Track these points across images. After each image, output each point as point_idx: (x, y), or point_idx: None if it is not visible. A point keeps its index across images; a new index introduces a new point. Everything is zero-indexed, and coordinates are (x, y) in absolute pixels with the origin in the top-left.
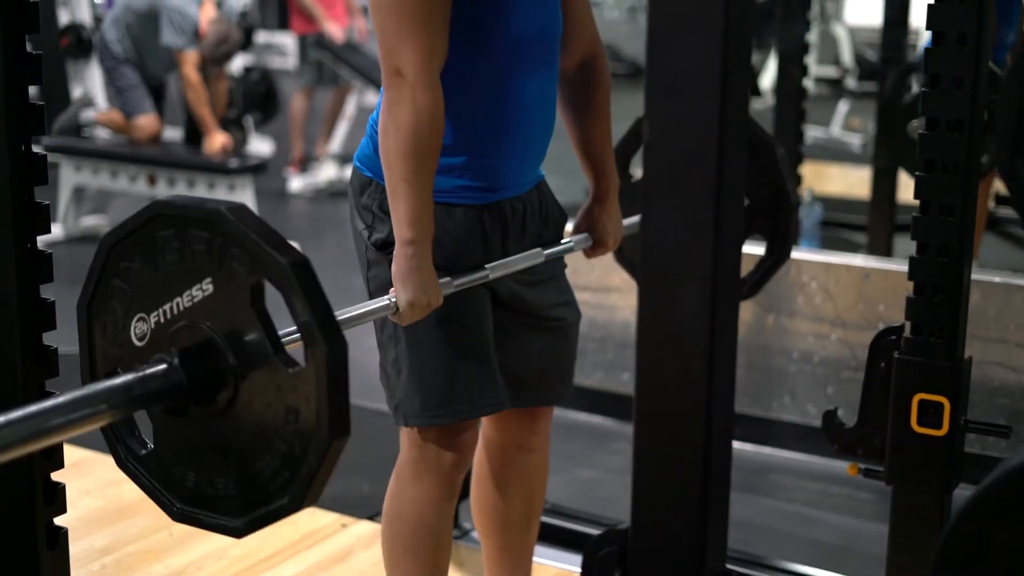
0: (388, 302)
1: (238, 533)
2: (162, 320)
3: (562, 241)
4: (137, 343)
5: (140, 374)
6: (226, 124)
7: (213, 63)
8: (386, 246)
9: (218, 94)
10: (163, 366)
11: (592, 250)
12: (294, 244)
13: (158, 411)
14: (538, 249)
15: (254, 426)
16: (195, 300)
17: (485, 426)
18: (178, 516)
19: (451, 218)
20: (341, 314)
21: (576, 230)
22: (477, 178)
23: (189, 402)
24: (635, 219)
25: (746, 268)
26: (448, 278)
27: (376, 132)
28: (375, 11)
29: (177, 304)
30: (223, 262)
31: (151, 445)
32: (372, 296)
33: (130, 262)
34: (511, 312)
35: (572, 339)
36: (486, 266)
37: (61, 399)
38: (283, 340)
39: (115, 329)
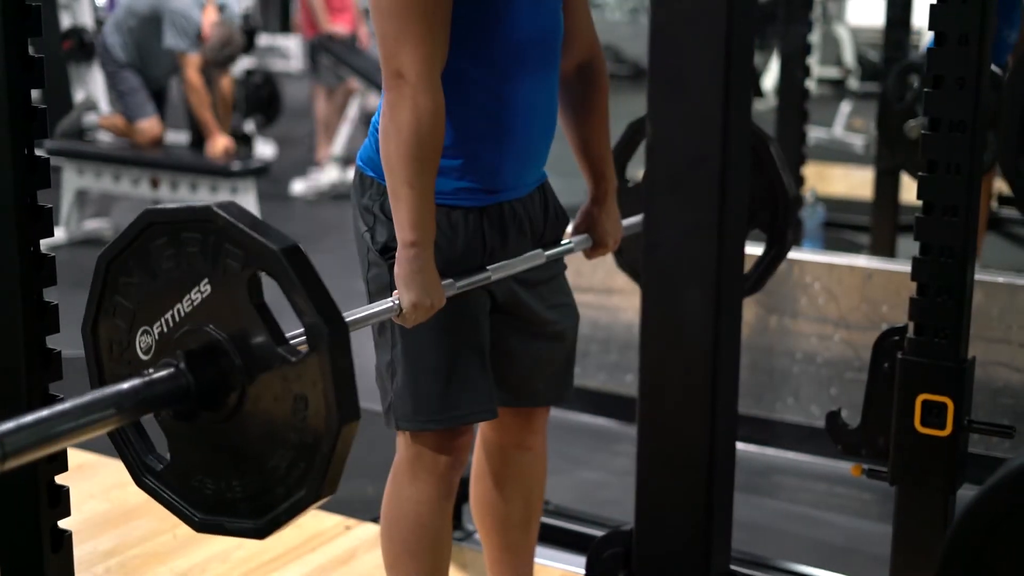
0: (392, 304)
1: (261, 533)
2: (165, 329)
3: (562, 242)
4: (143, 357)
5: (147, 378)
6: (234, 135)
7: (216, 66)
8: (387, 249)
9: (224, 99)
10: (169, 370)
11: (592, 251)
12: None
13: (168, 417)
14: (539, 250)
15: (265, 422)
16: (195, 304)
17: (483, 426)
18: (200, 526)
19: (451, 221)
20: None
21: (576, 231)
22: (477, 180)
23: (198, 405)
24: (634, 220)
25: (747, 266)
26: (451, 279)
27: (372, 131)
28: (375, 13)
29: (178, 311)
30: (217, 260)
31: (168, 458)
32: (372, 297)
33: (128, 277)
34: (509, 316)
35: (570, 342)
36: (488, 268)
37: (69, 404)
38: (290, 339)
39: (121, 347)
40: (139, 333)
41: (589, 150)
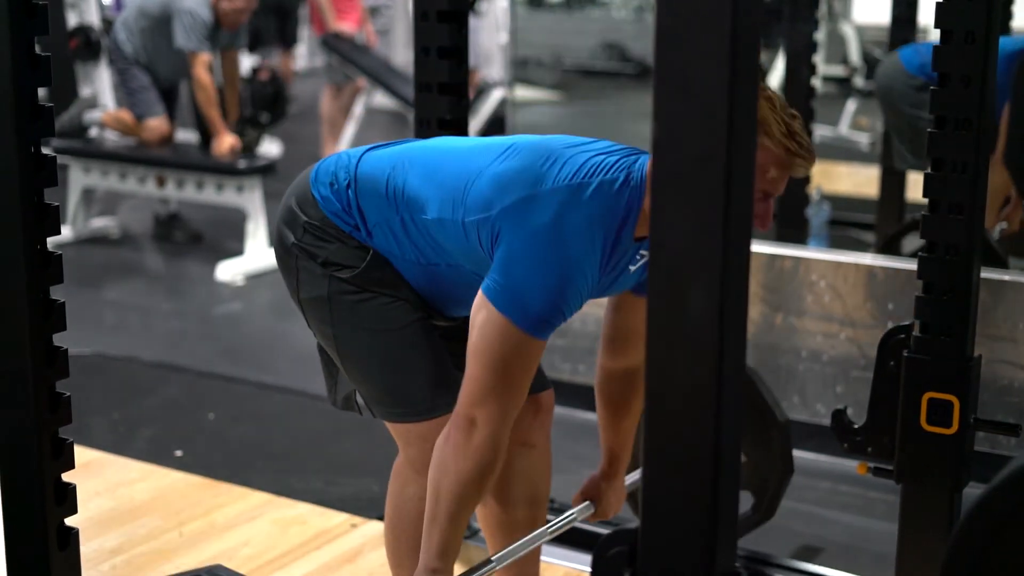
0: None
1: None
2: None
3: (565, 513)
4: None
5: None
6: (241, 123)
7: (227, 23)
8: (328, 264)
9: (231, 80)
10: None
11: (592, 517)
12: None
13: None
14: (544, 529)
15: None
16: None
17: None
18: None
19: (396, 272)
20: None
21: (582, 496)
22: (436, 312)
23: None
24: (633, 478)
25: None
26: None
27: (349, 193)
28: (473, 351)
29: None
30: None
31: None
32: (306, 308)
33: None
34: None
35: None
36: (492, 558)
37: None
38: None
39: None
40: None
41: (615, 437)
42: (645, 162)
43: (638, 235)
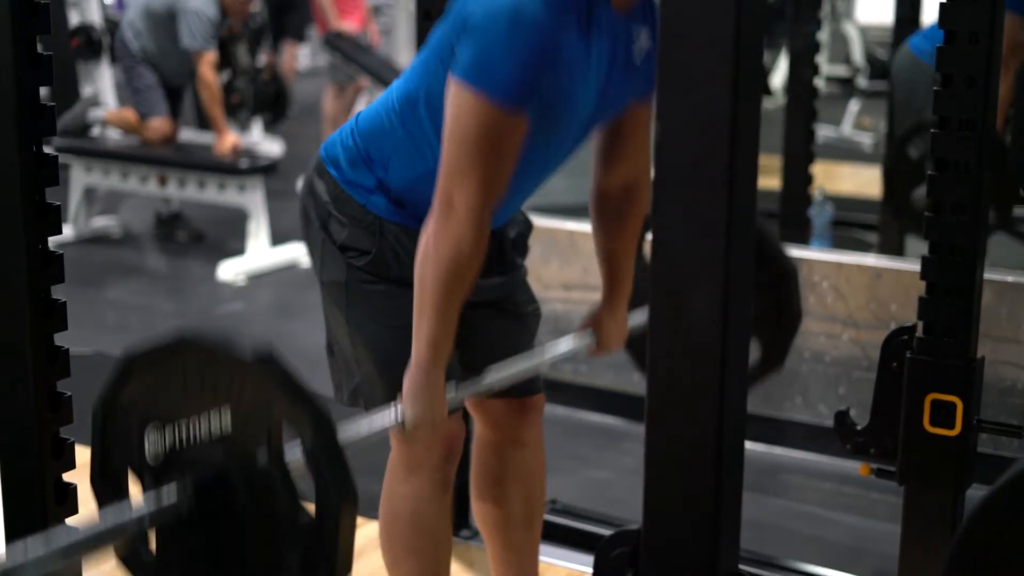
0: (393, 416)
1: None
2: (178, 443)
3: (564, 340)
4: (152, 460)
5: (155, 508)
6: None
7: (233, 15)
8: (345, 248)
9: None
10: (175, 498)
11: (593, 350)
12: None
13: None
14: (541, 348)
15: (259, 565)
16: (212, 429)
17: (478, 425)
18: None
19: (413, 240)
20: (345, 432)
21: (582, 327)
22: None
23: (199, 530)
24: (639, 314)
25: None
26: (454, 392)
27: (355, 141)
28: (448, 137)
29: (194, 429)
30: (242, 400)
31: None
32: (327, 291)
33: (152, 377)
34: (473, 309)
35: (532, 328)
36: (486, 377)
37: (81, 535)
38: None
39: (128, 437)
40: (151, 430)
41: (614, 260)
42: None
43: (617, 3)
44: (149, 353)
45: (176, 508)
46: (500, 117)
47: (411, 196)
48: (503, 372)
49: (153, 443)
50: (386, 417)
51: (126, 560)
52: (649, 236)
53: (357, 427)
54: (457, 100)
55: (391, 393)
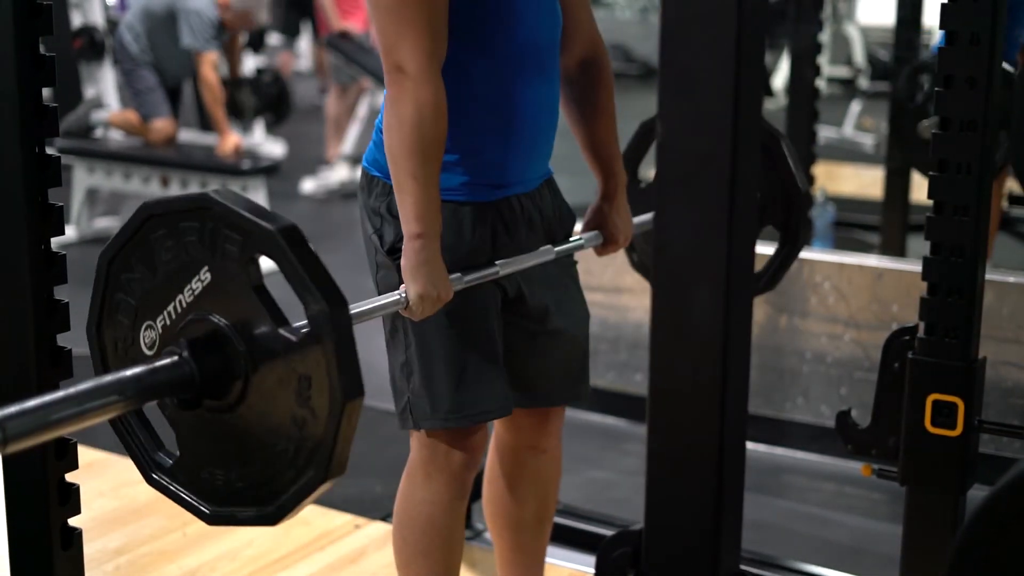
0: (398, 297)
1: (272, 519)
2: (167, 322)
3: (572, 239)
4: (148, 352)
5: (150, 366)
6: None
7: (235, 29)
8: (394, 250)
9: (234, 55)
10: (172, 358)
11: (602, 247)
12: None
13: (174, 408)
14: (548, 246)
15: (270, 406)
16: (196, 293)
17: (497, 427)
18: (212, 519)
19: (458, 216)
20: (351, 309)
21: (586, 228)
22: (482, 175)
23: (203, 392)
24: (645, 217)
25: (760, 263)
26: (459, 274)
27: (378, 130)
28: (374, 10)
29: (180, 302)
30: (216, 247)
31: (177, 454)
32: (380, 290)
33: (130, 273)
34: (518, 316)
35: (581, 340)
36: (496, 263)
37: (72, 390)
38: (296, 328)
39: (126, 344)
40: (143, 328)
41: (597, 147)
42: None
43: None
44: (122, 244)
45: (173, 368)
46: None
47: (451, 159)
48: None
49: (148, 336)
50: (392, 298)
51: (117, 424)
52: None
53: (361, 306)
54: None
55: (460, 390)
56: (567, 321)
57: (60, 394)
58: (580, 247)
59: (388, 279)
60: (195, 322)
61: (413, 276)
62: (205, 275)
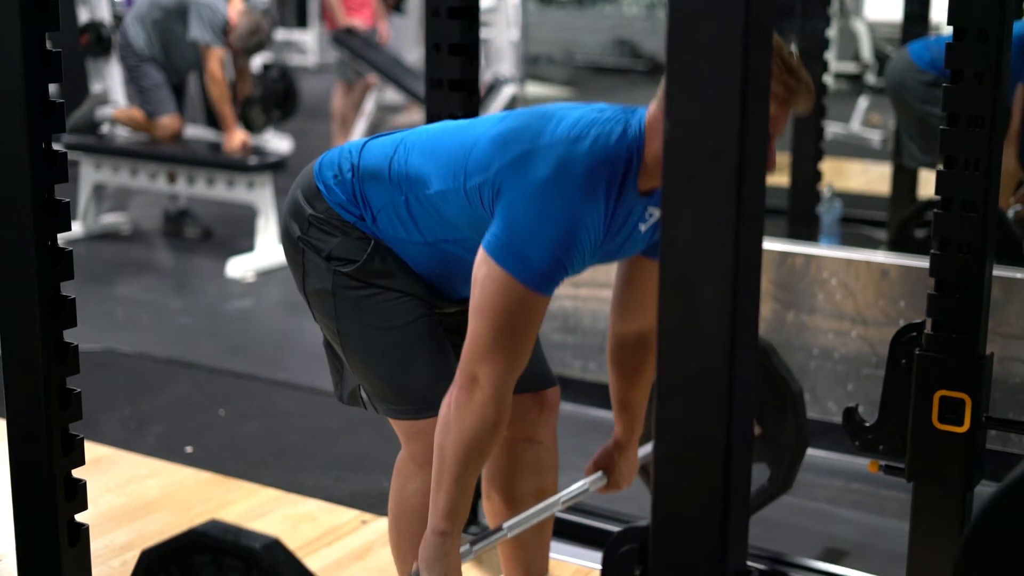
0: None
1: None
2: None
3: (577, 484)
4: None
5: None
6: (248, 105)
7: (244, 53)
8: (332, 258)
9: (242, 91)
10: None
11: (604, 488)
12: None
13: None
14: (555, 498)
15: None
16: None
17: None
18: None
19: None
20: None
21: (594, 467)
22: (443, 297)
23: None
24: (646, 450)
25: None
26: (467, 545)
27: (354, 175)
28: (476, 310)
29: None
30: None
31: None
32: (312, 302)
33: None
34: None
35: None
36: (503, 525)
37: None
38: None
39: None
40: None
41: (630, 404)
42: (643, 115)
43: (643, 188)
44: (164, 553)
45: None
46: (529, 295)
47: (394, 245)
48: (518, 523)
49: None
50: None
51: None
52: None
53: None
54: (488, 273)
55: (386, 394)
56: None
57: None
58: (584, 492)
59: (320, 282)
60: None
61: (429, 567)
62: None
